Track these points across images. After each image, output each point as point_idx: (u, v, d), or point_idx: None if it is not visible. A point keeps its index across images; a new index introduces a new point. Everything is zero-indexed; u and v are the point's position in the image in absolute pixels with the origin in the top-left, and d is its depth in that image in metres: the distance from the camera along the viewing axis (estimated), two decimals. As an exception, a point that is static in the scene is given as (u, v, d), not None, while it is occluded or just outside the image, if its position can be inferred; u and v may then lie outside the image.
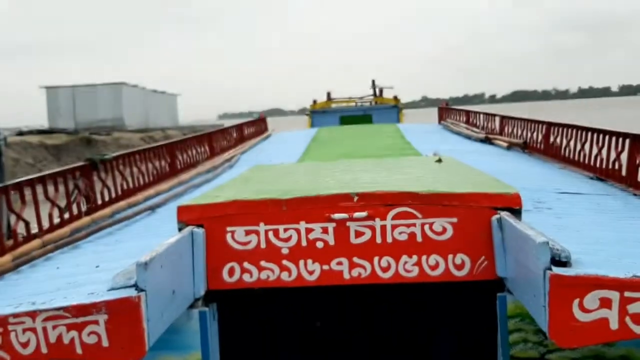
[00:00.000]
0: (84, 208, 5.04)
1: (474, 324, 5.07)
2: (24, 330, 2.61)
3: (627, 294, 2.48)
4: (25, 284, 3.38)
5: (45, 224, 4.38)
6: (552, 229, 3.56)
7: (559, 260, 2.59)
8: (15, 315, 2.61)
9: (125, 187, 6.04)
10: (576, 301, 2.50)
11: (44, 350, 2.62)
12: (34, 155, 27.09)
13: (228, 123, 12.40)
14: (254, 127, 13.99)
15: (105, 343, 2.60)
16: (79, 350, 2.61)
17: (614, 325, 2.50)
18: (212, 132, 10.68)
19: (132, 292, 2.60)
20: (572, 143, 6.91)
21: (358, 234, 3.26)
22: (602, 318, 2.51)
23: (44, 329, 2.60)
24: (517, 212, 3.20)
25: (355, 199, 3.27)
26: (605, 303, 2.50)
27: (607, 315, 2.50)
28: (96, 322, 2.59)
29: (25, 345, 2.62)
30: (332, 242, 3.26)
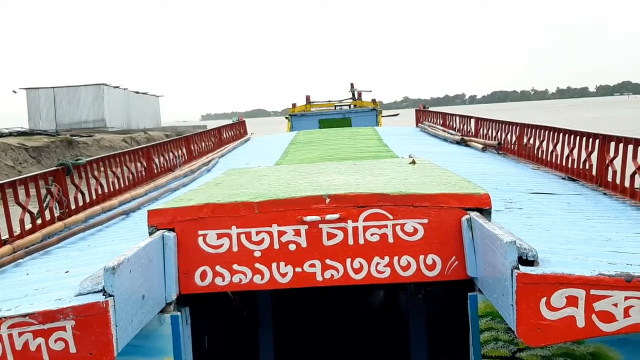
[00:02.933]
0: (56, 213, 4.98)
1: (446, 323, 5.13)
2: None
3: (592, 291, 2.52)
4: None
5: (17, 230, 4.32)
6: (521, 229, 3.60)
7: (526, 260, 2.62)
8: None
9: (100, 192, 5.98)
10: (543, 300, 2.53)
11: (10, 357, 2.57)
12: (13, 158, 26.66)
13: (211, 124, 12.37)
14: (233, 130, 13.94)
15: (72, 349, 2.57)
16: (45, 357, 2.57)
17: (580, 323, 2.54)
18: (190, 135, 10.62)
19: (99, 298, 2.57)
20: (544, 144, 6.99)
21: (330, 235, 3.26)
22: (569, 316, 2.54)
23: (10, 336, 2.56)
24: (487, 213, 3.23)
25: (328, 201, 3.28)
26: (572, 301, 2.53)
27: (574, 313, 2.54)
28: (63, 329, 2.56)
29: None
30: (304, 244, 3.27)
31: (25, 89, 47.27)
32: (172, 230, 3.27)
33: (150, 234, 3.26)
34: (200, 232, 3.27)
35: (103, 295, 2.57)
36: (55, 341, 2.57)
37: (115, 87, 49.64)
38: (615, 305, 2.52)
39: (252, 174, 4.73)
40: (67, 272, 3.43)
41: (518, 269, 2.55)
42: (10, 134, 32.92)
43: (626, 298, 2.52)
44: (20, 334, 2.56)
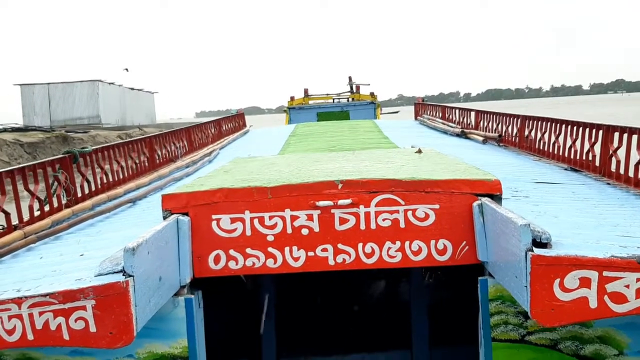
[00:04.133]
0: (64, 201, 5.00)
1: (448, 311, 5.19)
2: (10, 317, 2.59)
3: (605, 273, 2.57)
4: (9, 272, 3.35)
5: (26, 217, 4.34)
6: (530, 215, 3.64)
7: (539, 242, 2.67)
8: (0, 303, 2.59)
9: (105, 180, 6.00)
10: (557, 281, 2.58)
11: (30, 337, 2.60)
12: (9, 153, 26.59)
13: (205, 121, 12.37)
14: (232, 122, 13.95)
15: (92, 329, 2.60)
16: (66, 337, 2.60)
17: (593, 304, 2.58)
18: (191, 126, 10.64)
19: (119, 278, 2.60)
20: (546, 136, 7.04)
21: (342, 220, 3.30)
22: (582, 297, 2.59)
23: (30, 315, 2.59)
24: (497, 198, 3.28)
25: (340, 186, 3.32)
26: (585, 282, 2.58)
27: (587, 294, 2.58)
28: (83, 308, 2.59)
29: (10, 332, 2.61)
30: (317, 229, 3.30)
31: (20, 85, 47.04)
32: (186, 214, 3.30)
33: (165, 218, 3.28)
34: (214, 217, 3.31)
35: (123, 275, 2.60)
36: (76, 320, 2.60)
37: (110, 83, 49.45)
38: (627, 286, 2.57)
39: (260, 162, 4.76)
40: (82, 255, 3.45)
41: (532, 251, 2.60)
42: (5, 130, 32.80)
43: (637, 279, 2.56)
44: (40, 314, 2.59)
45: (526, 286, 2.60)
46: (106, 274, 2.66)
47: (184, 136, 9.78)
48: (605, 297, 2.58)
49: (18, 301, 2.59)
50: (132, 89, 54.52)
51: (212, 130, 12.00)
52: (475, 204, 3.25)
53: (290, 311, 6.07)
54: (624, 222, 3.60)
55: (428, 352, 5.74)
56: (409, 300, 5.85)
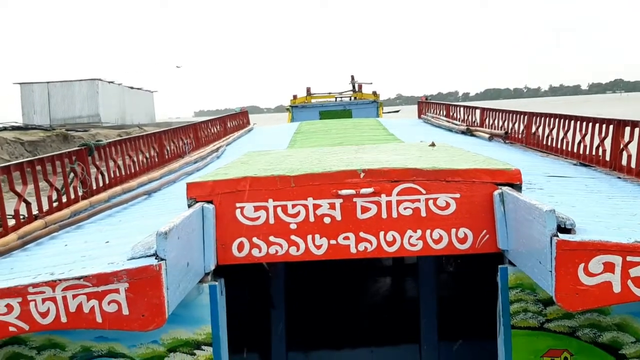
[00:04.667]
0: (80, 192, 5.05)
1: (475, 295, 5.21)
2: (44, 300, 2.64)
3: (629, 258, 2.62)
4: (37, 259, 3.39)
5: (45, 207, 4.39)
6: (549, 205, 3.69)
7: (564, 228, 2.72)
8: (34, 285, 2.63)
9: (118, 173, 6.05)
10: (581, 266, 2.63)
11: (64, 319, 2.64)
12: (9, 152, 26.58)
13: (210, 119, 12.43)
14: (236, 120, 14.01)
15: (125, 311, 2.64)
16: (99, 319, 2.65)
17: (617, 288, 2.63)
18: (197, 123, 10.71)
19: (152, 261, 2.64)
20: (554, 132, 7.09)
21: (364, 209, 3.35)
22: (606, 282, 2.64)
23: (64, 298, 2.63)
24: (517, 187, 3.33)
25: (362, 175, 3.36)
26: (609, 267, 2.63)
27: (611, 279, 2.63)
28: (117, 291, 2.63)
29: (44, 315, 2.65)
30: (339, 217, 3.35)
31: (19, 83, 47.00)
32: (211, 202, 3.34)
33: (189, 206, 3.32)
34: (237, 205, 3.35)
35: (155, 258, 2.65)
36: (109, 303, 2.64)
37: (109, 82, 49.43)
38: None
39: (275, 155, 4.80)
40: (107, 242, 3.50)
41: (557, 236, 2.65)
42: (5, 129, 32.77)
43: None
44: (74, 296, 2.63)
45: (551, 271, 2.65)
46: (139, 258, 2.70)
47: (191, 133, 9.84)
48: (629, 282, 2.63)
49: (52, 284, 2.63)
50: (132, 87, 54.50)
51: (218, 128, 12.05)
52: (496, 192, 3.30)
53: (300, 305, 6.12)
54: None
55: (437, 346, 5.78)
56: (418, 294, 5.89)
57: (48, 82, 47.11)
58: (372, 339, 6.26)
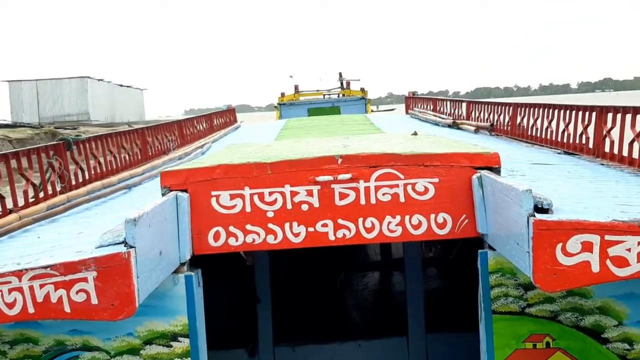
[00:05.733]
0: (58, 188, 4.97)
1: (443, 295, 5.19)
2: (10, 291, 2.57)
3: (607, 237, 2.58)
4: (7, 250, 3.31)
5: (21, 202, 4.31)
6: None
7: (541, 208, 2.68)
8: (0, 275, 2.56)
9: (99, 169, 5.97)
10: (559, 245, 2.58)
11: (31, 310, 2.58)
12: (-3, 149, 26.36)
13: (197, 116, 12.36)
14: (223, 118, 13.92)
15: (94, 300, 2.58)
16: (67, 309, 2.58)
17: (595, 268, 2.59)
18: (183, 120, 10.63)
19: (121, 249, 2.58)
20: (538, 122, 7.07)
21: (342, 195, 3.30)
22: (584, 261, 2.60)
23: (31, 288, 2.56)
24: (496, 171, 3.29)
25: (340, 161, 3.31)
26: (587, 247, 2.59)
27: (589, 258, 2.59)
28: (85, 280, 2.57)
29: (11, 305, 2.58)
30: (317, 204, 3.30)
31: (8, 81, 46.65)
32: (185, 191, 3.28)
33: (163, 194, 3.26)
34: (213, 193, 3.29)
35: (124, 246, 2.58)
36: (77, 292, 2.57)
37: (99, 80, 49.15)
38: (629, 250, 2.58)
39: (256, 146, 4.75)
40: (81, 233, 3.43)
41: (534, 216, 2.61)
42: (-7, 126, 32.43)
43: (639, 243, 2.58)
44: (41, 286, 2.57)
45: (528, 252, 2.61)
46: (107, 246, 2.64)
47: (176, 130, 9.75)
48: (607, 261, 2.59)
49: (18, 274, 2.56)
50: (121, 85, 54.23)
51: (204, 125, 11.96)
52: (474, 176, 3.26)
53: (287, 298, 6.07)
54: (622, 194, 3.63)
55: (424, 338, 5.75)
56: (405, 287, 5.86)
57: (37, 80, 46.80)
58: (360, 332, 6.23)
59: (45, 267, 2.56)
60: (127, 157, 6.99)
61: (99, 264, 2.56)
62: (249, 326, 5.81)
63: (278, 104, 18.65)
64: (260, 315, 5.84)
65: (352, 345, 6.01)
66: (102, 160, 6.22)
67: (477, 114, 10.14)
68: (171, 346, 3.16)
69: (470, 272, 3.57)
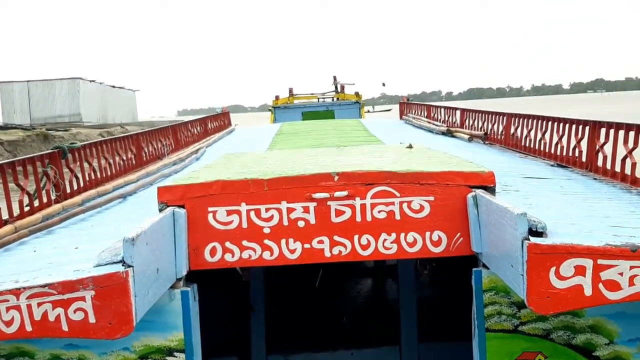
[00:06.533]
0: (53, 196, 4.96)
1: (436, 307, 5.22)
2: (7, 309, 2.57)
3: (600, 261, 2.61)
4: (3, 265, 3.31)
5: (15, 212, 4.30)
6: (523, 207, 3.70)
7: (535, 231, 2.71)
8: None
9: (93, 177, 5.97)
10: (553, 269, 2.62)
11: (29, 328, 2.58)
12: (-12, 152, 26.16)
13: (188, 120, 12.34)
14: (217, 121, 13.92)
15: (92, 319, 2.58)
16: (65, 328, 2.59)
17: (588, 291, 2.63)
18: (177, 124, 10.61)
19: (119, 268, 2.59)
20: (532, 133, 7.12)
21: (338, 212, 3.32)
22: (577, 285, 2.63)
23: (29, 307, 2.57)
24: (491, 190, 3.32)
25: (336, 178, 3.33)
26: (580, 270, 2.62)
27: (582, 282, 2.63)
28: (82, 299, 2.57)
29: (8, 323, 2.58)
30: (313, 221, 3.32)
31: (-1, 82, 46.44)
32: (182, 207, 3.29)
33: (160, 210, 3.27)
34: (210, 209, 3.30)
35: (122, 265, 2.59)
36: (75, 311, 2.58)
37: (91, 81, 48.95)
38: (621, 274, 2.62)
39: (252, 157, 4.76)
40: (77, 248, 3.43)
41: (529, 239, 2.64)
42: (-16, 129, 32.20)
43: (631, 267, 2.62)
44: (39, 305, 2.57)
45: (522, 275, 2.64)
46: (105, 265, 2.65)
47: (170, 134, 9.75)
48: (600, 285, 2.62)
49: (16, 292, 2.57)
50: (113, 86, 54.04)
51: (198, 129, 11.96)
52: (469, 195, 3.29)
53: (280, 308, 6.08)
54: (614, 213, 3.67)
55: (416, 347, 5.78)
56: (398, 296, 5.89)
57: (28, 81, 46.56)
58: (353, 341, 6.25)
59: (44, 286, 2.57)
60: (121, 164, 6.99)
61: (97, 284, 2.57)
62: (242, 335, 5.83)
63: (272, 107, 18.65)
64: (253, 324, 5.86)
65: (344, 354, 6.04)
66: (96, 167, 6.22)
67: (470, 122, 10.20)
68: None
69: (463, 283, 3.60)
